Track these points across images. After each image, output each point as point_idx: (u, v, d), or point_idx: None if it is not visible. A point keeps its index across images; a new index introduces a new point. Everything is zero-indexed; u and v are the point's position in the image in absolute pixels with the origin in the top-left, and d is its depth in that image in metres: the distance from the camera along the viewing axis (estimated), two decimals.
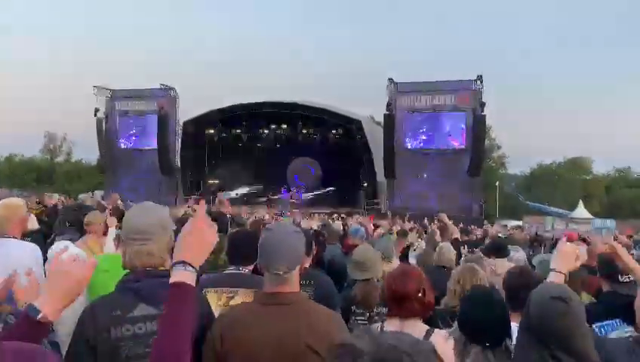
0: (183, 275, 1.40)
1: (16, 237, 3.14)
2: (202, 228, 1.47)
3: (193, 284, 1.41)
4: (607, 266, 2.96)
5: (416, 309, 2.43)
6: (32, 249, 3.15)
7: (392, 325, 2.43)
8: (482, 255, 4.51)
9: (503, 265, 4.03)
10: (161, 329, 1.37)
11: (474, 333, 2.06)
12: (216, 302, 2.37)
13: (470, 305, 2.19)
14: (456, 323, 2.23)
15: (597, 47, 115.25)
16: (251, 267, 2.73)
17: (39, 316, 1.36)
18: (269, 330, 1.74)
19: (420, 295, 2.42)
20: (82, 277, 1.46)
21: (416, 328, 2.35)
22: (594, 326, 2.46)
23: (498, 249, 4.59)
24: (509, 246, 4.91)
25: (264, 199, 34.11)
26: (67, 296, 1.43)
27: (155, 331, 1.70)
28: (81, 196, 11.83)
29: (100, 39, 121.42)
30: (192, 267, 1.41)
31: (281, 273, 1.80)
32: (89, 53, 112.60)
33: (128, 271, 1.82)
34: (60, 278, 1.44)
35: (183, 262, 1.41)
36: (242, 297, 2.48)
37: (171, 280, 1.40)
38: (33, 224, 4.95)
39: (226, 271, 2.81)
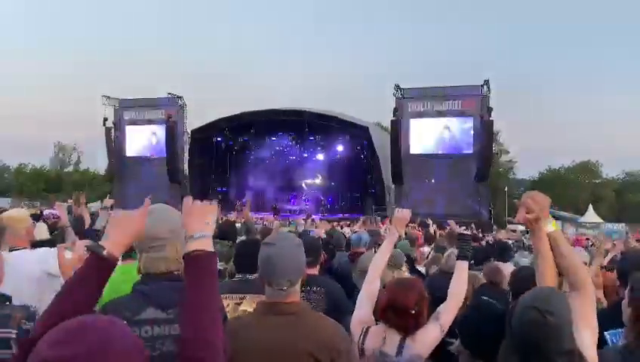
0: (198, 243, 1.40)
1: (25, 248, 3.13)
2: (195, 204, 1.55)
3: (211, 248, 1.41)
4: (630, 271, 2.79)
5: (410, 324, 2.26)
6: (38, 259, 3.05)
7: (375, 333, 2.36)
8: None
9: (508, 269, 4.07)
10: (185, 313, 1.34)
11: (476, 348, 1.99)
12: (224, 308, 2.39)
13: (471, 320, 2.10)
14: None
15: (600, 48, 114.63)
16: (257, 275, 2.75)
17: (104, 252, 1.46)
18: (271, 340, 1.75)
19: (416, 309, 2.26)
20: (138, 220, 1.60)
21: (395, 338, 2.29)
22: (605, 333, 2.41)
23: (501, 253, 4.62)
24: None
25: (271, 206, 34.13)
26: (126, 234, 1.55)
27: (162, 335, 1.73)
28: (92, 205, 11.91)
29: (108, 50, 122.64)
30: (206, 233, 1.43)
31: (285, 288, 1.83)
32: (98, 64, 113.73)
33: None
34: (118, 220, 1.57)
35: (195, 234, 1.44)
36: (250, 302, 2.51)
37: (185, 250, 1.41)
38: (42, 234, 4.98)
39: (234, 279, 2.85)
